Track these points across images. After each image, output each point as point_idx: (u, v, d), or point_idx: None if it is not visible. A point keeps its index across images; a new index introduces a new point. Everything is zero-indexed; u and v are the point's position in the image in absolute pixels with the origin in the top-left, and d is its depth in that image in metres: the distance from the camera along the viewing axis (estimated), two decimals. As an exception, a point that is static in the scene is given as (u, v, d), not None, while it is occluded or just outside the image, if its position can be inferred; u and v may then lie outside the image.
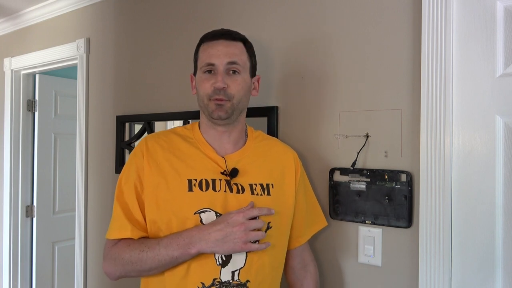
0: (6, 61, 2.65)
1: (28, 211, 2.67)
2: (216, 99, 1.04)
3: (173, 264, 0.99)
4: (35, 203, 2.67)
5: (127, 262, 1.00)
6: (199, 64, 1.09)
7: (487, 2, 1.03)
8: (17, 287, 2.61)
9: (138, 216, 1.05)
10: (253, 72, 1.13)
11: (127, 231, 1.03)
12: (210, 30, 1.13)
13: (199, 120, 1.16)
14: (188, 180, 1.04)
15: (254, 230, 0.98)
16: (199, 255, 0.99)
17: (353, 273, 1.24)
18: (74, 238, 2.16)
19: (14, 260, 2.61)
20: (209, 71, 1.06)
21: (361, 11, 1.22)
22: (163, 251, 0.97)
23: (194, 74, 1.14)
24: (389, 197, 1.16)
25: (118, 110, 1.96)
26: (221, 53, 1.05)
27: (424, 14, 1.09)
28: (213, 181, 1.04)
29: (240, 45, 1.09)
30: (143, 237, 1.05)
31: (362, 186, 1.20)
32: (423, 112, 1.09)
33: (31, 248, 2.68)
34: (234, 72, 1.06)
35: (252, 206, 1.01)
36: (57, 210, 2.79)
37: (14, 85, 2.62)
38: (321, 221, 1.24)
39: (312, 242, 1.29)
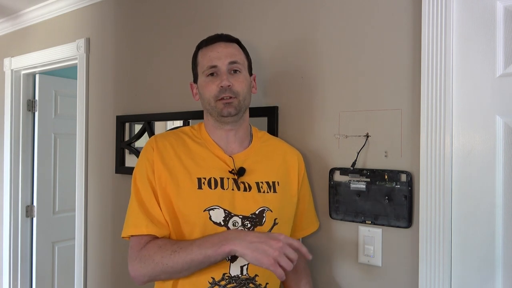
0: (6, 61, 2.65)
1: (28, 211, 2.67)
2: (223, 98, 1.06)
3: (206, 265, 0.96)
4: (35, 203, 2.67)
5: (158, 263, 0.97)
6: (200, 69, 1.11)
7: (487, 2, 1.03)
8: (17, 287, 2.61)
9: (155, 211, 1.04)
10: (250, 71, 1.17)
11: (142, 227, 1.01)
12: (209, 30, 1.15)
13: (203, 121, 1.17)
14: (197, 178, 1.06)
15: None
16: None
17: (353, 273, 1.23)
18: (74, 238, 2.16)
19: (14, 260, 2.61)
20: (212, 74, 1.08)
21: (361, 11, 1.22)
22: (196, 249, 0.94)
23: (195, 81, 1.17)
24: (389, 197, 1.15)
25: (118, 110, 1.95)
26: (221, 55, 1.08)
27: (424, 14, 1.09)
28: (221, 179, 1.07)
29: (236, 45, 1.14)
30: (173, 239, 1.02)
31: (362, 186, 1.20)
32: (423, 112, 1.09)
33: (31, 248, 2.68)
34: (235, 71, 1.09)
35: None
36: (57, 210, 2.79)
37: (14, 85, 2.62)
38: (316, 223, 1.27)
39: (313, 242, 1.30)
